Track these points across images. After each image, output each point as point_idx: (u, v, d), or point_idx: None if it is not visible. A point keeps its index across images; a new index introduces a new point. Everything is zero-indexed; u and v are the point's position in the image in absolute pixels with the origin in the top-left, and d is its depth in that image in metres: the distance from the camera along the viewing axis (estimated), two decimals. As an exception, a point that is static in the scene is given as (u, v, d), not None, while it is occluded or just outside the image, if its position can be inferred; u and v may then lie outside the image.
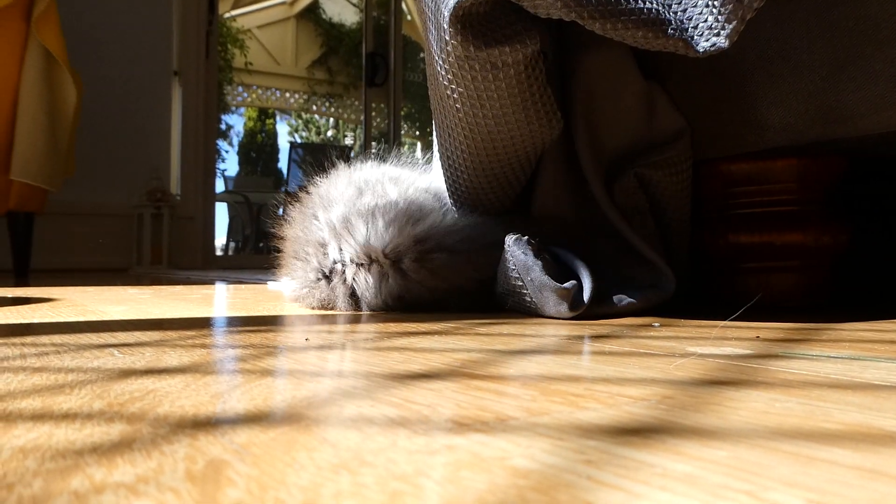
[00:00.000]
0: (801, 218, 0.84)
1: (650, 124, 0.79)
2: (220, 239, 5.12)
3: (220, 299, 1.06)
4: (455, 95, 0.74)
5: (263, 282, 1.62)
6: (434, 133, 0.86)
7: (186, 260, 3.15)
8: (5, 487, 0.20)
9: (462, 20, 0.68)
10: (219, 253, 4.27)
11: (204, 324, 0.67)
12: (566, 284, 0.66)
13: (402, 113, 4.72)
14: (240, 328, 0.63)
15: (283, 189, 5.16)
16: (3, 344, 0.51)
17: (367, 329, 0.62)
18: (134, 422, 0.27)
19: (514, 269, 0.70)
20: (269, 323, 0.67)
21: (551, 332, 0.59)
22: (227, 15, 5.55)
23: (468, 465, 0.21)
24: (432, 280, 0.74)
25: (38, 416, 0.28)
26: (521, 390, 0.33)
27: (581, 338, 0.55)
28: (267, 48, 6.06)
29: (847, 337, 0.55)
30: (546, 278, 0.67)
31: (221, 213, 5.50)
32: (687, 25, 0.64)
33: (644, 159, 0.78)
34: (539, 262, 0.68)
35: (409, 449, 0.23)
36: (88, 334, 0.56)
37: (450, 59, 0.70)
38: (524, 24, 0.71)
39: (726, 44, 0.62)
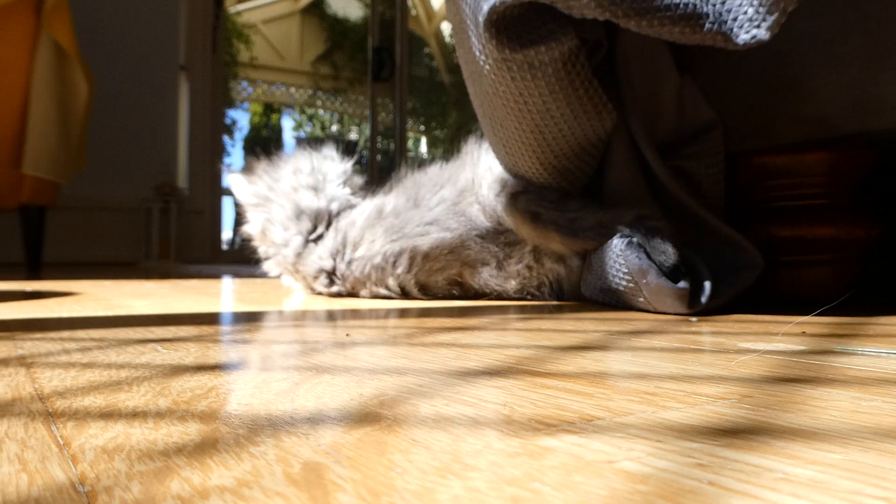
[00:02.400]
0: (833, 211, 0.82)
1: (683, 117, 0.78)
2: (226, 233, 5.10)
3: (239, 294, 1.05)
4: (500, 94, 0.73)
5: (277, 276, 1.61)
6: (482, 128, 0.85)
7: (194, 254, 3.14)
8: (104, 491, 0.19)
9: (496, 24, 0.67)
10: (224, 247, 4.26)
11: (238, 318, 0.66)
12: (681, 285, 0.66)
13: (408, 107, 4.70)
14: (272, 323, 0.63)
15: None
16: (41, 339, 0.50)
17: (403, 325, 0.61)
18: (207, 421, 0.26)
19: (626, 273, 0.69)
20: (298, 318, 0.67)
21: (591, 327, 0.58)
22: (232, 10, 5.53)
23: (577, 469, 0.20)
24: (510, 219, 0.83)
25: (107, 415, 0.27)
26: (590, 388, 0.32)
27: (624, 333, 0.54)
28: (272, 43, 6.04)
29: (893, 332, 0.54)
30: (663, 281, 0.66)
31: (228, 207, 5.48)
32: (726, 18, 0.63)
33: (679, 152, 0.77)
34: (654, 266, 0.67)
35: (506, 451, 0.22)
36: (124, 329, 0.55)
37: (489, 60, 0.69)
38: (558, 22, 0.70)
39: (767, 36, 0.61)
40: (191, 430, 0.25)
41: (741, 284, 0.69)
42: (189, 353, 0.43)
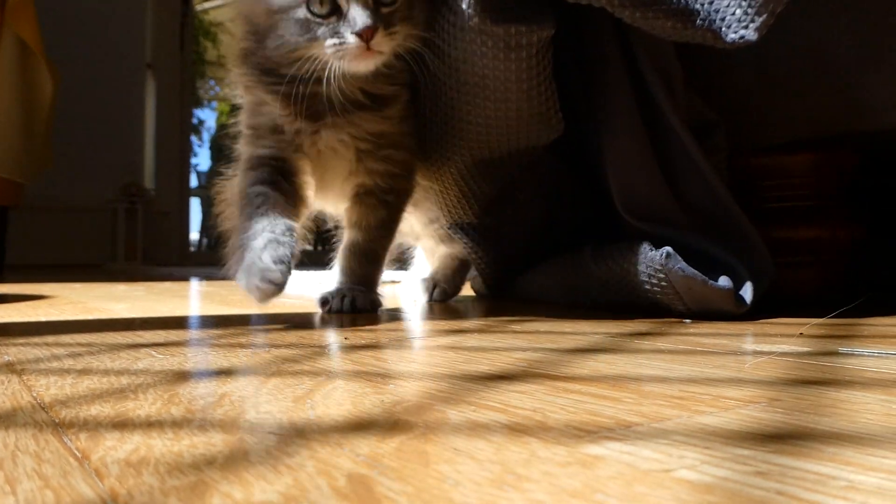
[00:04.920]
0: (818, 212, 0.83)
1: (691, 113, 0.77)
2: (193, 234, 5.02)
3: (217, 296, 1.03)
4: (457, 74, 0.69)
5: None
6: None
7: (161, 255, 3.08)
8: (143, 510, 0.18)
9: None
10: (192, 248, 4.20)
11: (225, 322, 0.64)
12: (724, 285, 0.64)
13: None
14: (265, 326, 0.61)
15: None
16: (25, 344, 0.48)
17: (397, 328, 0.60)
18: (230, 430, 0.25)
19: (664, 283, 0.66)
20: (289, 321, 0.65)
21: (588, 329, 0.58)
22: (199, 7, 5.45)
23: (635, 479, 0.20)
24: None
25: (120, 425, 0.26)
26: (615, 392, 0.32)
27: (624, 335, 0.53)
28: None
29: (889, 332, 0.55)
30: (713, 286, 0.64)
31: (194, 208, 5.40)
32: (714, 17, 0.63)
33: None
34: (699, 273, 0.65)
35: (555, 460, 0.22)
36: (111, 333, 0.53)
37: (459, 31, 0.67)
38: (541, 5, 0.68)
39: (755, 37, 0.61)
40: (215, 441, 0.24)
41: (762, 287, 0.68)
42: (187, 359, 0.41)
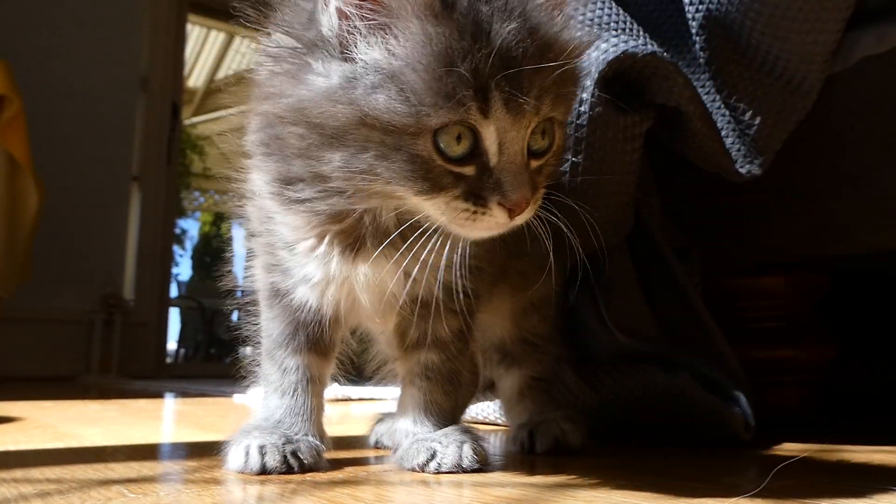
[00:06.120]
0: (791, 333, 0.85)
1: (666, 235, 0.79)
2: (171, 344, 4.96)
3: (192, 417, 1.01)
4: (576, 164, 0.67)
5: (228, 394, 1.56)
6: None
7: (137, 367, 3.02)
8: None
9: (608, 82, 0.65)
10: (168, 360, 4.13)
11: (199, 450, 0.63)
12: (738, 410, 0.66)
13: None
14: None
15: (238, 293, 5.07)
16: (-8, 481, 0.46)
17: (358, 455, 0.59)
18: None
19: (685, 406, 0.67)
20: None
21: (565, 460, 0.57)
22: (187, 122, 5.59)
23: None
24: None
25: (87, 586, 0.25)
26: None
27: (597, 467, 0.53)
28: (226, 154, 6.10)
29: (869, 464, 0.55)
30: (730, 414, 0.66)
31: (173, 318, 5.36)
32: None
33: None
34: (715, 398, 0.66)
35: None
36: (81, 466, 0.52)
37: (580, 120, 0.66)
38: (645, 96, 0.69)
39: (760, 171, 0.69)
40: None
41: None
42: (160, 499, 0.41)
